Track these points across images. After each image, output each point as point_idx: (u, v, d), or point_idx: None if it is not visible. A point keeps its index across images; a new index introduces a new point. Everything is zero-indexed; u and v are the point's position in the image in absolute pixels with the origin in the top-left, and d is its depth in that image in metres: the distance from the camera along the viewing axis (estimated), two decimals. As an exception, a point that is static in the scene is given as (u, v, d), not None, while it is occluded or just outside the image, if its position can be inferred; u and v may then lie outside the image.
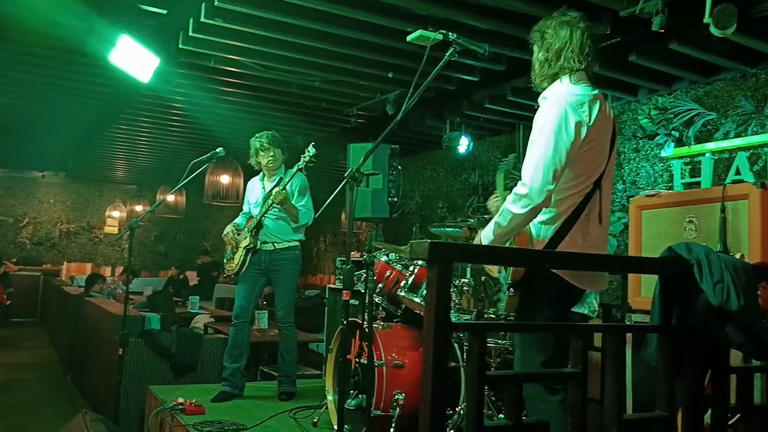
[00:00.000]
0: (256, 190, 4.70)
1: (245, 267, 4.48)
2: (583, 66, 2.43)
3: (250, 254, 4.47)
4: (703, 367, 2.24)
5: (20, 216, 12.91)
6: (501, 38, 4.38)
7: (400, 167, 5.12)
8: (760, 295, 2.68)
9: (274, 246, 4.50)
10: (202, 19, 4.11)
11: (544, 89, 2.52)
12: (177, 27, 4.48)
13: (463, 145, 6.37)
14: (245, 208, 4.77)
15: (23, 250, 12.84)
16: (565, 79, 2.43)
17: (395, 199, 4.95)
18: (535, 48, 2.54)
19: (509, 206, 2.34)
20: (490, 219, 2.57)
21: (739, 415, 2.57)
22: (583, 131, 2.33)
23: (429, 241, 1.74)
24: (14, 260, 12.20)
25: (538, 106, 2.45)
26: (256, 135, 4.59)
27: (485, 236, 2.45)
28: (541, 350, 2.40)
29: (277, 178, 4.57)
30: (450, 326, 1.84)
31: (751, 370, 2.45)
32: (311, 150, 4.22)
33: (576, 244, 2.43)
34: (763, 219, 2.69)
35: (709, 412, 2.25)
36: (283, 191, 4.29)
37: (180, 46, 4.59)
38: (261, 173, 4.70)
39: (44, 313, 11.48)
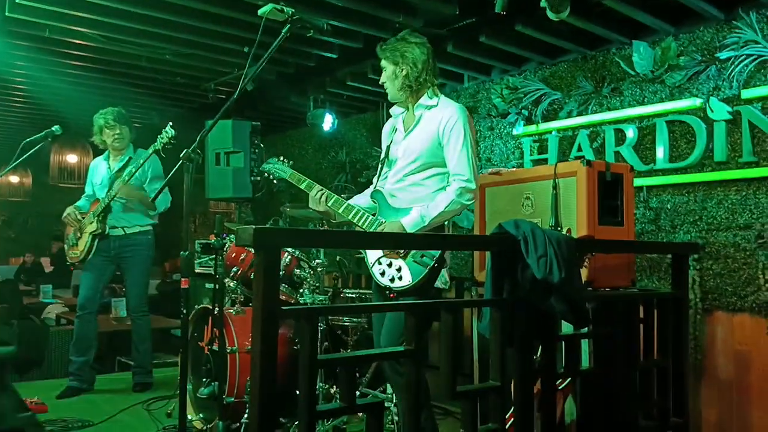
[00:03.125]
0: (100, 170, 4.41)
1: (92, 254, 4.21)
2: (437, 81, 2.96)
3: (96, 240, 4.20)
4: (533, 337, 2.37)
5: None
6: (357, 16, 4.35)
7: (262, 145, 4.98)
8: (586, 266, 2.88)
9: (124, 231, 4.26)
10: (30, -15, 3.75)
11: (401, 99, 2.98)
12: (1, -8, 4.06)
13: (328, 122, 6.31)
14: (88, 189, 4.47)
15: None
16: (431, 91, 2.91)
17: (258, 178, 4.83)
18: (390, 65, 2.93)
19: (458, 198, 2.75)
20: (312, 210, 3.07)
21: (569, 379, 2.76)
22: None
23: (254, 227, 1.69)
24: None
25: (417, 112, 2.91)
26: (100, 111, 4.30)
27: (413, 223, 2.75)
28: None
29: (126, 158, 4.31)
30: (279, 314, 1.80)
31: (578, 336, 2.63)
32: (170, 131, 3.94)
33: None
34: (588, 194, 2.87)
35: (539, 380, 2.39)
36: (127, 186, 4.03)
37: (7, 14, 4.17)
38: (106, 152, 4.41)
39: None
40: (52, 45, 5.01)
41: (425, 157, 2.84)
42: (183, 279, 2.52)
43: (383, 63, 2.98)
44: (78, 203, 4.43)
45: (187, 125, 7.13)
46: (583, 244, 2.54)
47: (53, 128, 4.01)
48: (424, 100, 2.91)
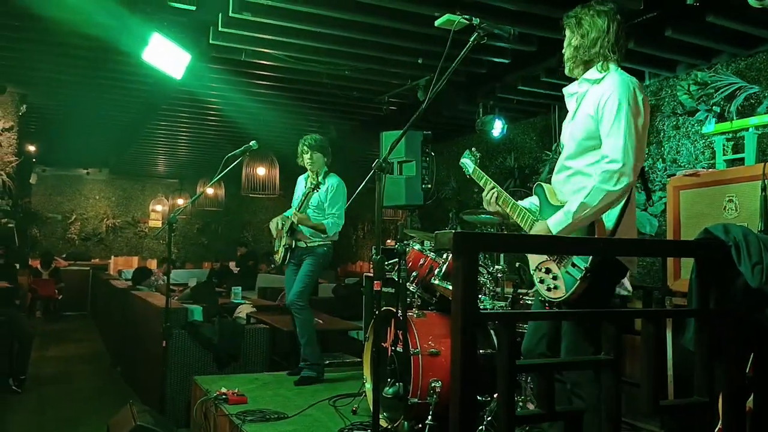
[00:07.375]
0: (300, 187, 4.92)
1: (286, 261, 4.82)
2: (615, 56, 2.46)
3: (288, 252, 4.79)
4: (745, 351, 2.18)
5: (68, 213, 13.33)
6: (531, 19, 4.30)
7: (433, 153, 5.06)
8: (804, 276, 2.59)
9: (306, 244, 4.74)
10: (231, 14, 4.15)
11: (575, 74, 2.58)
12: (207, 22, 4.53)
13: (497, 128, 6.29)
14: (294, 202, 4.98)
15: (72, 245, 13.25)
16: (601, 64, 2.46)
17: (429, 186, 4.92)
18: (569, 32, 2.56)
19: (600, 185, 2.31)
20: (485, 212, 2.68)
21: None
22: (648, 110, 2.41)
23: (453, 231, 1.73)
24: (64, 256, 12.62)
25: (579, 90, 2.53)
26: (304, 137, 4.81)
27: (557, 222, 2.40)
28: (591, 340, 2.36)
29: (315, 182, 4.67)
30: (478, 317, 1.83)
31: (797, 352, 2.37)
32: None
33: (628, 228, 2.46)
34: (806, 196, 2.59)
35: (752, 396, 2.20)
36: (304, 215, 4.58)
37: (210, 41, 4.65)
38: (307, 171, 4.91)
39: (94, 307, 11.84)
40: (244, 67, 5.51)
41: (583, 139, 2.45)
42: (376, 282, 2.63)
43: (566, 31, 2.58)
44: (287, 213, 4.96)
45: (360, 137, 7.49)
46: (804, 251, 2.29)
47: (251, 143, 4.39)
48: (590, 73, 2.50)
